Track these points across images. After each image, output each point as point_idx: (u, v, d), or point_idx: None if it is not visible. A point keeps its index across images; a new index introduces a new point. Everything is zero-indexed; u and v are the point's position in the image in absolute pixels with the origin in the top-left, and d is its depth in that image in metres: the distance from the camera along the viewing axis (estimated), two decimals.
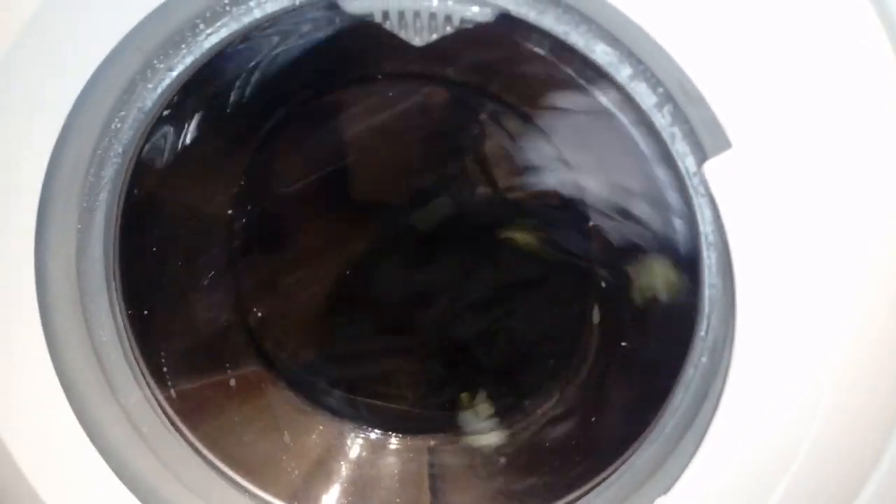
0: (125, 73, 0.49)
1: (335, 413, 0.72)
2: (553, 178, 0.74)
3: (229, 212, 0.71)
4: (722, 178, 0.41)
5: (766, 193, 0.41)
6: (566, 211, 0.73)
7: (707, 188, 0.42)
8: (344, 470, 0.70)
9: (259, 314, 0.74)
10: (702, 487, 0.46)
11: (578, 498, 0.57)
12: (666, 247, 0.58)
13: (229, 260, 0.73)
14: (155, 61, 0.49)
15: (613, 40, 0.45)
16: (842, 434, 0.43)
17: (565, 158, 0.73)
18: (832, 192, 0.40)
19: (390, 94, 0.71)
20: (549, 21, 0.45)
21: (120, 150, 0.52)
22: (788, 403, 0.43)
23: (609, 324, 0.70)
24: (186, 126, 0.59)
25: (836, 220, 0.40)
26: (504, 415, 0.74)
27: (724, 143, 0.41)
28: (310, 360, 0.75)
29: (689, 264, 0.51)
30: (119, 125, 0.51)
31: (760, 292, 0.42)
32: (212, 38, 0.49)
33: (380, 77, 0.68)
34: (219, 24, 0.48)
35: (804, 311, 0.41)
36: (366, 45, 0.62)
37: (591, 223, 0.70)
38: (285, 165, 0.74)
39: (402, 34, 0.49)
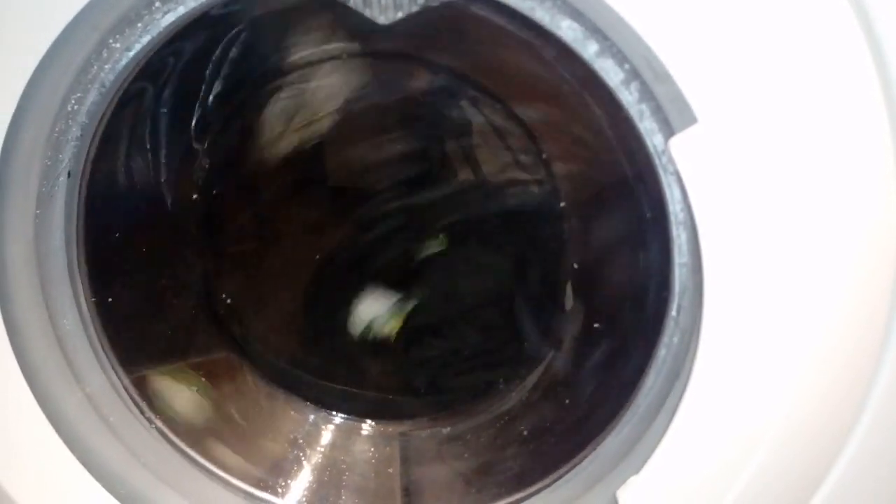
0: (80, 53, 0.48)
1: (306, 399, 0.71)
2: (527, 160, 0.73)
3: (195, 196, 0.69)
4: (688, 153, 0.41)
5: (732, 169, 0.40)
6: (539, 193, 0.73)
7: (674, 165, 0.42)
8: (315, 455, 0.69)
9: (228, 300, 0.73)
10: (673, 466, 0.46)
11: (554, 481, 0.57)
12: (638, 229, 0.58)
13: (197, 245, 0.72)
14: (111, 40, 0.48)
15: (579, 16, 0.44)
16: (811, 412, 0.43)
17: (539, 141, 0.72)
18: (797, 167, 0.40)
19: (359, 76, 0.70)
20: None
21: (78, 132, 0.51)
22: (757, 381, 0.43)
23: (582, 306, 0.70)
24: (148, 107, 0.58)
25: (801, 196, 0.40)
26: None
27: (690, 120, 0.41)
28: (280, 346, 0.75)
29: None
30: (76, 107, 0.50)
31: (727, 269, 0.41)
32: (169, 17, 0.48)
33: (344, 58, 0.67)
34: (176, 1, 0.47)
35: (772, 288, 0.41)
36: (329, 24, 0.61)
37: (563, 204, 0.70)
38: (252, 148, 0.73)
39: (367, 12, 0.48)
